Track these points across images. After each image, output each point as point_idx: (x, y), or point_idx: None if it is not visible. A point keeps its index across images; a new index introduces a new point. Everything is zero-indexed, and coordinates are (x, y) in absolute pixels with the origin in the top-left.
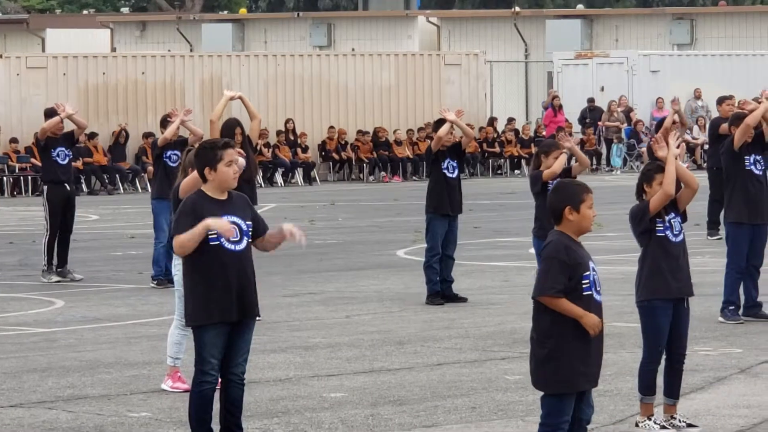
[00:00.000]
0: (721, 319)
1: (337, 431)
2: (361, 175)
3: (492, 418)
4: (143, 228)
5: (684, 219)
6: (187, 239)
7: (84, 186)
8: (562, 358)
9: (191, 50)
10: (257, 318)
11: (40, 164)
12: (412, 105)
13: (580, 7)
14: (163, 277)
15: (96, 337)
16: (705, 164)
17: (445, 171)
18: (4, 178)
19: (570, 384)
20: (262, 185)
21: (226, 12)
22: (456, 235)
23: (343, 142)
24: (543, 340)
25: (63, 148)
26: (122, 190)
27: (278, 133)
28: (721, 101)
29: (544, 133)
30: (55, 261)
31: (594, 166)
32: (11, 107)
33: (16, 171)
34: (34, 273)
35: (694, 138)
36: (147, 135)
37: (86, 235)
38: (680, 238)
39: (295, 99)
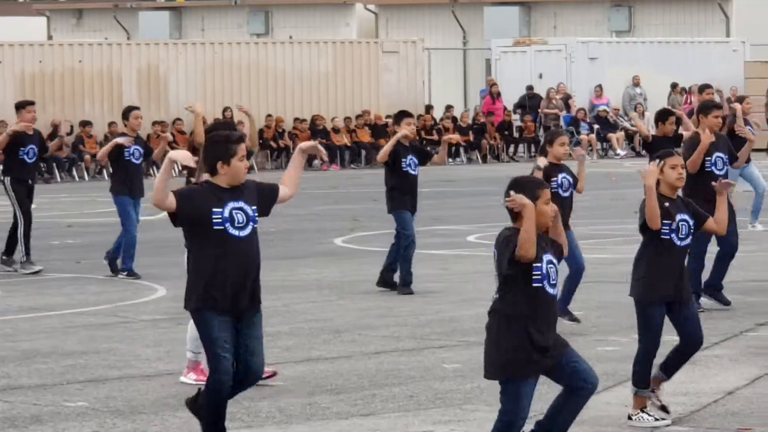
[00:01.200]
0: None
1: (275, 420)
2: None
3: (430, 406)
4: (80, 217)
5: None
6: (156, 183)
7: None
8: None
9: (128, 38)
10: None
11: None
12: (350, 93)
13: None
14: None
15: (32, 326)
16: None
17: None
18: None
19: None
20: None
21: (163, 0)
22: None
23: (280, 130)
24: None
25: (33, 146)
26: (59, 179)
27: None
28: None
29: (482, 120)
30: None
31: (532, 154)
32: None
33: None
34: None
35: (632, 125)
36: (84, 123)
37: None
38: (686, 242)
39: (232, 87)
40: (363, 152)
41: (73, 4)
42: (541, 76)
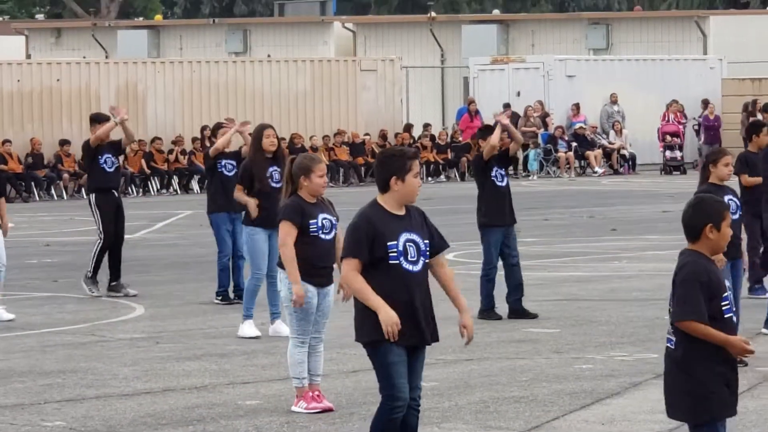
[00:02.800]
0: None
1: None
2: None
3: None
4: (59, 236)
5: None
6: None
7: None
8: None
9: (107, 57)
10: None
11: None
12: (328, 111)
13: (496, 12)
14: (227, 294)
15: (9, 345)
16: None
17: (494, 179)
18: None
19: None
20: (178, 192)
21: (141, 18)
22: (515, 242)
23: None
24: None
25: (110, 155)
26: (38, 198)
27: (194, 139)
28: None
29: (460, 138)
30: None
31: (511, 171)
32: None
33: None
34: None
35: (610, 143)
36: (63, 142)
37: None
38: None
39: (210, 105)
40: (341, 170)
41: (51, 22)
42: (519, 94)
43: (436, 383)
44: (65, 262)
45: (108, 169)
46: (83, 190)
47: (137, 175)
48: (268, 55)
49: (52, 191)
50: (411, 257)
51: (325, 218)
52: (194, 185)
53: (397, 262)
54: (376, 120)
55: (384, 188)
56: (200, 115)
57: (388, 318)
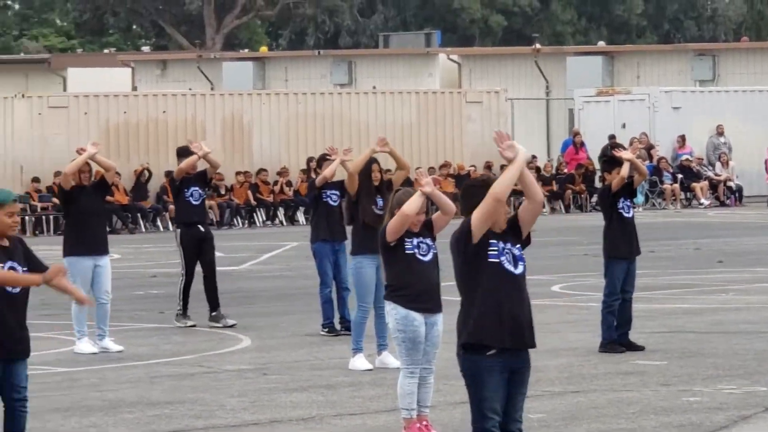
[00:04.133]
0: None
1: None
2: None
3: None
4: (165, 267)
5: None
6: None
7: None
8: None
9: (212, 89)
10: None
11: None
12: (434, 143)
13: (601, 43)
14: (333, 326)
15: (118, 376)
16: (730, 200)
17: (621, 211)
18: (26, 218)
19: None
20: (284, 223)
21: (246, 50)
22: (634, 278)
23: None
24: None
25: (197, 188)
26: (144, 229)
27: (302, 171)
28: None
29: (565, 170)
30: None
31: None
32: (33, 146)
33: (38, 210)
34: (56, 312)
35: (716, 174)
36: (168, 173)
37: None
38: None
39: (316, 137)
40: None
41: (157, 54)
42: (624, 126)
43: (543, 415)
44: (171, 294)
45: (194, 202)
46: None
47: (243, 207)
48: (374, 87)
49: (158, 223)
50: (509, 260)
51: (421, 241)
52: (300, 217)
53: (498, 260)
54: (481, 152)
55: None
56: (305, 146)
57: None
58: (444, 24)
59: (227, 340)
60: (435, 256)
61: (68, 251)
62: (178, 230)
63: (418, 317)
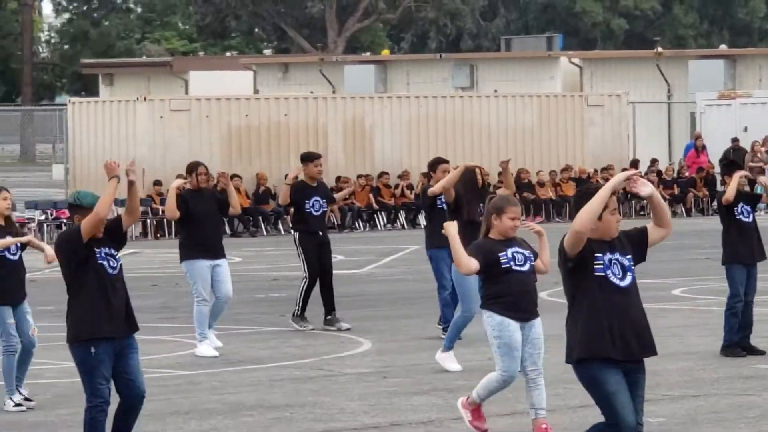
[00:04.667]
0: None
1: None
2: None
3: None
4: (286, 270)
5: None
6: None
7: (227, 228)
8: None
9: (334, 92)
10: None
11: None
12: (555, 146)
13: (723, 47)
14: None
15: (238, 379)
16: None
17: (740, 216)
18: (148, 221)
19: None
20: (405, 227)
21: (368, 53)
22: (755, 282)
23: (486, 184)
24: None
25: (318, 198)
26: (265, 233)
27: (423, 174)
28: None
29: (686, 174)
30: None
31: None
32: (155, 150)
33: (160, 213)
34: (177, 315)
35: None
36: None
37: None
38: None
39: (437, 140)
40: (567, 206)
41: (279, 58)
42: (746, 129)
43: (663, 419)
44: (292, 297)
45: (315, 213)
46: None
47: (364, 210)
48: (495, 90)
49: (279, 226)
50: (617, 273)
51: (515, 251)
52: (421, 220)
53: (603, 274)
54: (602, 155)
55: None
56: (426, 150)
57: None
58: (566, 27)
59: (348, 344)
60: (532, 266)
61: (185, 255)
62: (297, 233)
63: (513, 323)
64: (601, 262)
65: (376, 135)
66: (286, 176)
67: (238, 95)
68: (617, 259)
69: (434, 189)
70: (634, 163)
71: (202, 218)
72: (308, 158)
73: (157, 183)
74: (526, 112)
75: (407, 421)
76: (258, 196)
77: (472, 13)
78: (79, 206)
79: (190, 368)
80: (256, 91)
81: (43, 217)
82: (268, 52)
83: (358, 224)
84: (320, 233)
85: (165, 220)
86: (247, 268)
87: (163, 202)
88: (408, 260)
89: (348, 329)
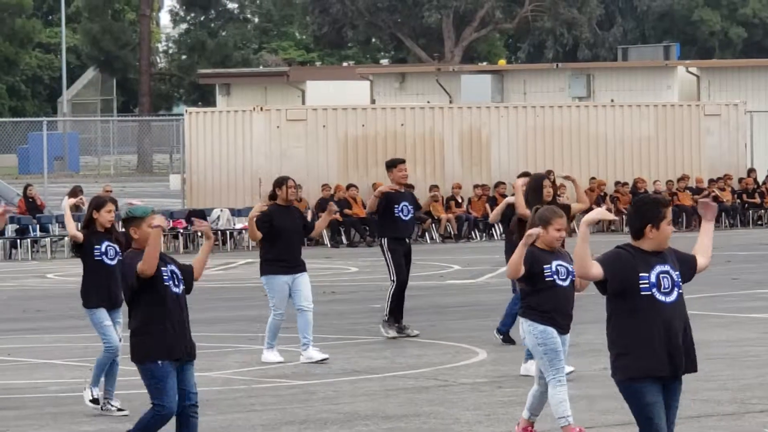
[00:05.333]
0: None
1: None
2: (614, 227)
3: None
4: None
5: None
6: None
7: (344, 238)
8: None
9: (450, 101)
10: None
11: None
12: (672, 156)
13: None
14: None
15: (354, 389)
16: None
17: None
18: None
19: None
20: None
21: (485, 63)
22: None
23: (602, 194)
24: None
25: (406, 203)
26: None
27: None
28: None
29: None
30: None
31: None
32: (272, 160)
33: None
34: (292, 325)
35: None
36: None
37: (346, 287)
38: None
39: (554, 150)
40: (684, 215)
41: (396, 68)
42: None
43: None
44: (409, 307)
45: (404, 218)
46: (426, 235)
47: (480, 220)
48: (612, 100)
49: None
50: (664, 288)
51: (560, 265)
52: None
53: (650, 293)
54: (719, 165)
55: (638, 235)
56: (543, 160)
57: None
58: (683, 36)
59: (463, 353)
60: (573, 280)
61: (266, 270)
62: (385, 239)
63: (554, 330)
64: (647, 281)
65: (492, 145)
66: (373, 185)
67: (354, 105)
68: (668, 272)
69: (521, 211)
70: (751, 173)
71: (288, 234)
72: (392, 164)
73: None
74: (643, 121)
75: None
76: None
77: (589, 22)
78: (133, 218)
79: (306, 378)
80: (372, 101)
81: None
82: (384, 61)
83: (475, 234)
84: (407, 240)
85: None
86: (363, 277)
87: None
88: None
89: (417, 335)
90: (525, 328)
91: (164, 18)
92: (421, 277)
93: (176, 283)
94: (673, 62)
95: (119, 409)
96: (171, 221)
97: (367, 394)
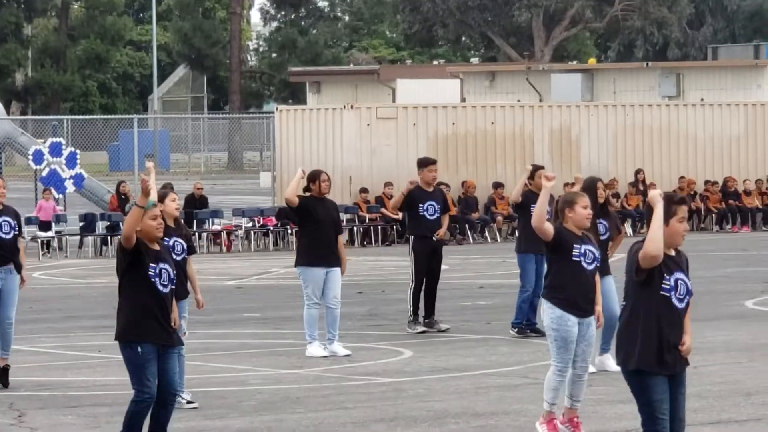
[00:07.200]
0: None
1: None
2: (703, 225)
3: None
4: (492, 278)
5: None
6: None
7: None
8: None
9: (540, 100)
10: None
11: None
12: (762, 155)
13: None
14: (523, 326)
15: (444, 387)
16: None
17: None
18: (354, 228)
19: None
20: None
21: (575, 62)
22: None
23: (692, 192)
24: None
25: (433, 203)
26: (471, 241)
27: (631, 184)
28: None
29: None
30: (422, 311)
31: None
32: (361, 157)
33: (366, 221)
34: (383, 323)
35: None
36: (496, 185)
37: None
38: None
39: (644, 149)
40: None
41: (486, 66)
42: None
43: None
44: (498, 305)
45: (429, 217)
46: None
47: None
48: (701, 99)
49: (486, 234)
50: (680, 294)
51: (588, 248)
52: (627, 228)
53: (668, 295)
54: None
55: None
56: (633, 158)
57: None
58: None
59: None
60: (597, 267)
61: (301, 261)
62: (411, 238)
63: (572, 318)
64: (668, 283)
65: (582, 143)
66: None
67: (445, 103)
68: (683, 280)
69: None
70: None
71: (324, 225)
72: (423, 164)
73: (364, 190)
74: (733, 120)
75: (612, 429)
76: (465, 204)
77: (679, 21)
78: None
79: (396, 375)
80: (462, 99)
81: (250, 224)
82: (474, 60)
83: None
84: (433, 238)
85: (371, 228)
86: (453, 276)
87: (370, 210)
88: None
89: (447, 329)
90: (544, 308)
91: (255, 16)
92: (513, 275)
93: (164, 282)
94: (763, 61)
95: (188, 402)
96: (262, 218)
97: (457, 391)
